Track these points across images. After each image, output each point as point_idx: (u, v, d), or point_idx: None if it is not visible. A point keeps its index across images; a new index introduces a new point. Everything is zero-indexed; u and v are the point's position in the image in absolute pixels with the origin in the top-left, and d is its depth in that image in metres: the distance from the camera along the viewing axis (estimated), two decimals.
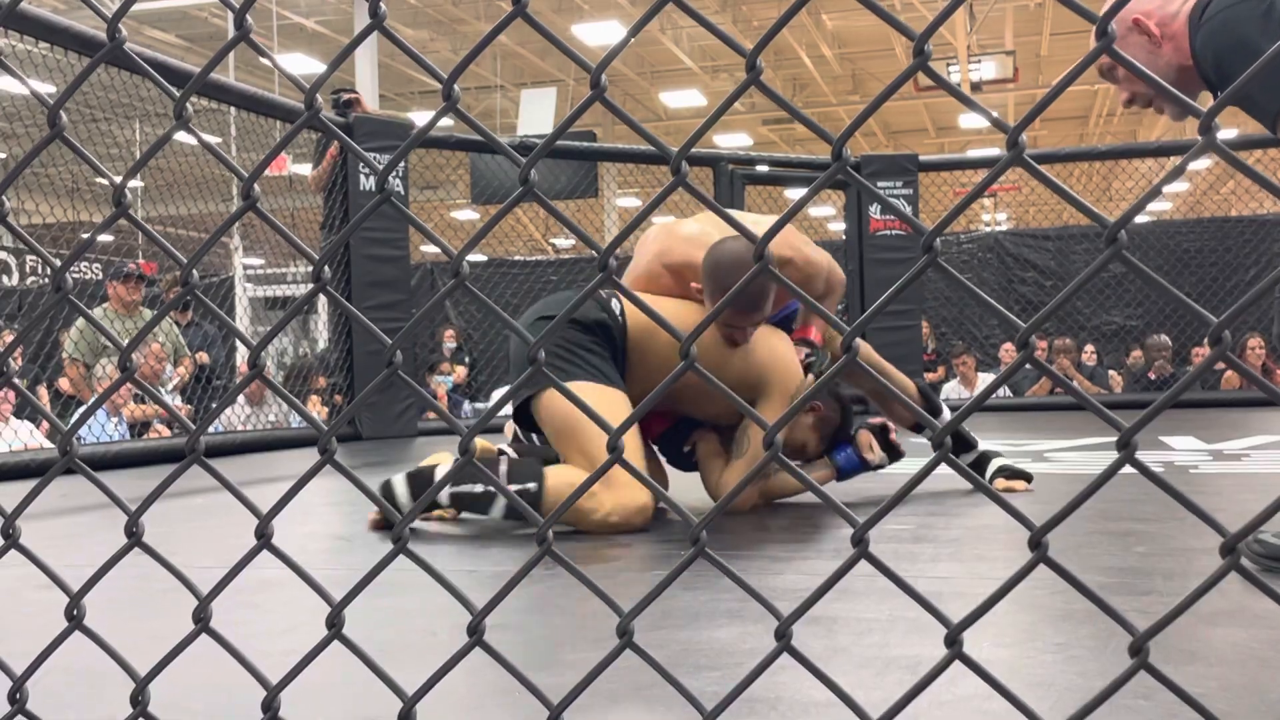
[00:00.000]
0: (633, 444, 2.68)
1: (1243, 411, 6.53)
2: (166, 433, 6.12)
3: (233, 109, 5.87)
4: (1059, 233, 9.54)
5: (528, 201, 0.78)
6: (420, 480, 2.66)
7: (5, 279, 10.69)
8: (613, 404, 2.58)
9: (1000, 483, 3.14)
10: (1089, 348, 9.10)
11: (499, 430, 5.92)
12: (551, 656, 1.51)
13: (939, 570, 2.09)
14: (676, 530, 2.59)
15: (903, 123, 21.54)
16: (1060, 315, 8.90)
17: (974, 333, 9.48)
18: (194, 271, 0.83)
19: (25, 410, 5.86)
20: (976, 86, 14.76)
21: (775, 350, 2.80)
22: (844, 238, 8.00)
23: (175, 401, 6.44)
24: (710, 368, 2.64)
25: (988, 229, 11.30)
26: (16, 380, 0.90)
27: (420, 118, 14.47)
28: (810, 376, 2.85)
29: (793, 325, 3.03)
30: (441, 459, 2.84)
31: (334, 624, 0.81)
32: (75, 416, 5.93)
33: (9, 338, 6.93)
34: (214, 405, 6.66)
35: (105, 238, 8.86)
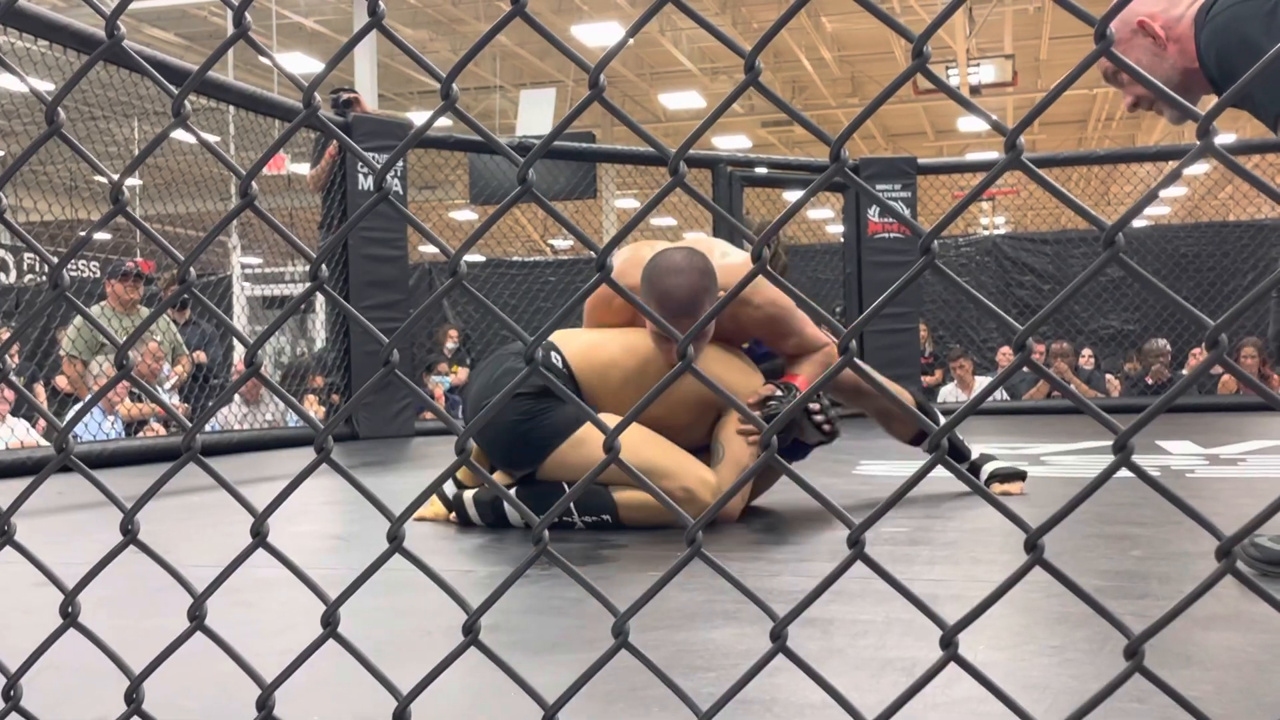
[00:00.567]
0: (679, 457, 2.69)
1: (1239, 416, 6.53)
2: (162, 431, 6.12)
3: (231, 108, 5.87)
4: (1057, 237, 9.54)
5: (526, 201, 0.78)
6: (496, 505, 2.74)
7: (3, 276, 10.69)
8: (612, 423, 2.58)
9: (996, 486, 3.14)
10: (1086, 351, 9.10)
11: None
12: (546, 656, 1.51)
13: (935, 573, 2.09)
14: (670, 533, 2.58)
15: (901, 126, 21.55)
16: (1057, 319, 8.91)
17: (971, 336, 9.49)
18: (191, 270, 0.83)
19: (22, 408, 5.86)
20: (975, 90, 14.78)
21: (726, 360, 2.79)
22: (842, 240, 8.00)
23: (173, 400, 6.43)
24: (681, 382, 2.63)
25: (986, 232, 11.31)
26: (12, 379, 0.90)
27: (419, 118, 14.47)
28: (774, 403, 2.70)
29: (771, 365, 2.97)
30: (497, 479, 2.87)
31: (329, 622, 0.81)
32: (71, 414, 5.92)
33: (4, 335, 6.92)
34: (210, 404, 6.67)
35: (102, 236, 8.86)
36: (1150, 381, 8.51)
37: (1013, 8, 15.38)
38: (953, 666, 0.71)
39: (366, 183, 6.22)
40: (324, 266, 0.81)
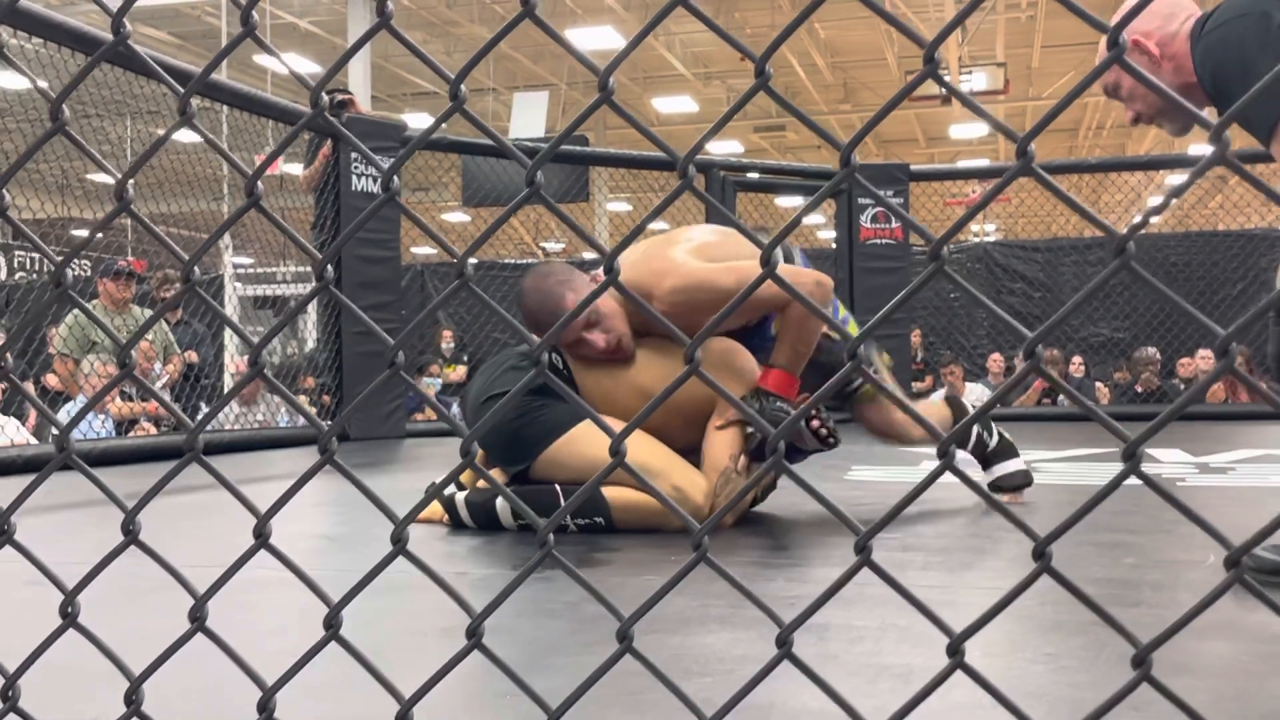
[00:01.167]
0: (670, 456, 2.67)
1: (1229, 425, 6.56)
2: (153, 430, 6.09)
3: (225, 108, 5.86)
4: (1048, 244, 9.58)
5: (533, 204, 0.78)
6: (488, 507, 2.73)
7: None
8: (613, 424, 2.57)
9: (1001, 497, 3.13)
10: (1076, 359, 9.13)
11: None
12: (544, 660, 1.51)
13: (929, 579, 2.10)
14: (664, 536, 2.58)
15: (894, 132, 21.60)
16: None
17: (962, 342, 9.51)
18: (195, 269, 0.83)
19: (11, 406, 5.83)
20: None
21: (722, 354, 2.74)
22: (834, 246, 8.02)
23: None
24: (647, 397, 2.62)
25: (977, 239, 11.35)
26: (12, 378, 0.89)
27: (413, 119, 14.46)
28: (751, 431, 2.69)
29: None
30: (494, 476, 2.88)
31: (332, 624, 0.80)
32: (69, 412, 5.90)
33: None
34: (205, 404, 6.64)
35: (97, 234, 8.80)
36: (1139, 390, 8.54)
37: (1005, 16, 15.43)
38: (946, 672, 0.71)
39: (360, 184, 6.21)
40: (330, 267, 0.81)
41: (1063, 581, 0.68)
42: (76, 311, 6.05)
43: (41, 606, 1.14)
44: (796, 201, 8.35)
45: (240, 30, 0.79)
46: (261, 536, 0.81)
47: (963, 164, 15.98)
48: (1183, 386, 8.56)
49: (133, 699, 0.87)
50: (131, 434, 6.06)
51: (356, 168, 6.18)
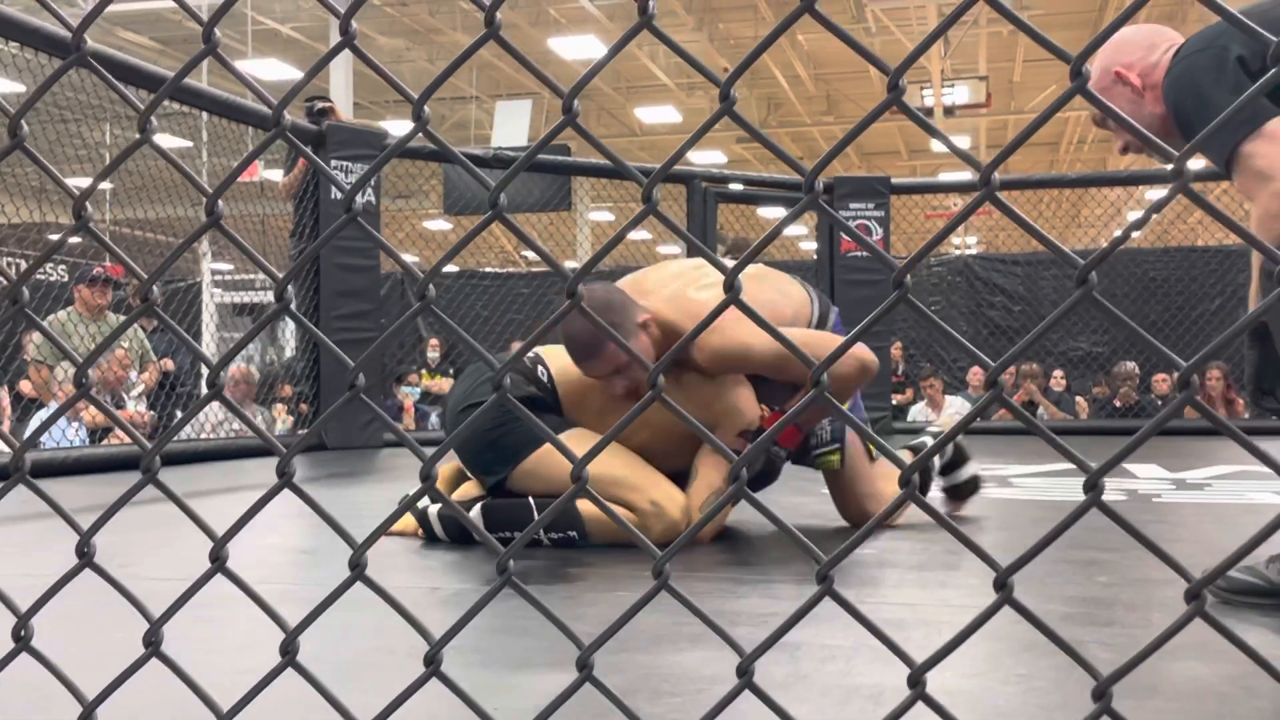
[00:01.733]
0: (648, 472, 2.67)
1: (1205, 440, 6.59)
2: (128, 439, 6.05)
3: (205, 114, 5.83)
4: (1028, 258, 9.61)
5: (497, 222, 0.77)
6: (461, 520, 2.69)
7: None
8: (588, 440, 2.57)
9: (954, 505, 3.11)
10: (1057, 373, 9.16)
11: None
12: (512, 680, 1.50)
13: (903, 596, 2.09)
14: (639, 552, 2.56)
15: (876, 145, 21.68)
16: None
17: (942, 355, 9.53)
18: (154, 288, 0.82)
19: None
20: (950, 110, 14.90)
21: (723, 388, 2.74)
22: (815, 258, 8.03)
23: (140, 408, 6.37)
24: (643, 419, 2.60)
25: (958, 252, 11.39)
26: None
27: (394, 126, 14.42)
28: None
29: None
30: (468, 489, 2.86)
31: (288, 651, 0.79)
32: (42, 419, 5.85)
33: None
34: (180, 412, 6.59)
35: (72, 239, 8.76)
36: (1118, 404, 8.58)
37: (987, 30, 15.52)
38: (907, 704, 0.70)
39: (339, 193, 6.19)
40: (290, 288, 0.80)
41: (1025, 613, 0.68)
42: (52, 317, 6.01)
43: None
44: (779, 212, 8.36)
45: (201, 49, 0.78)
46: (218, 560, 0.80)
47: (944, 177, 16.04)
48: (1160, 402, 8.60)
49: None
50: (105, 441, 6.01)
51: (336, 176, 6.15)
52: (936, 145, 20.66)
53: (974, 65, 16.39)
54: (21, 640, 0.86)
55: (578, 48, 15.25)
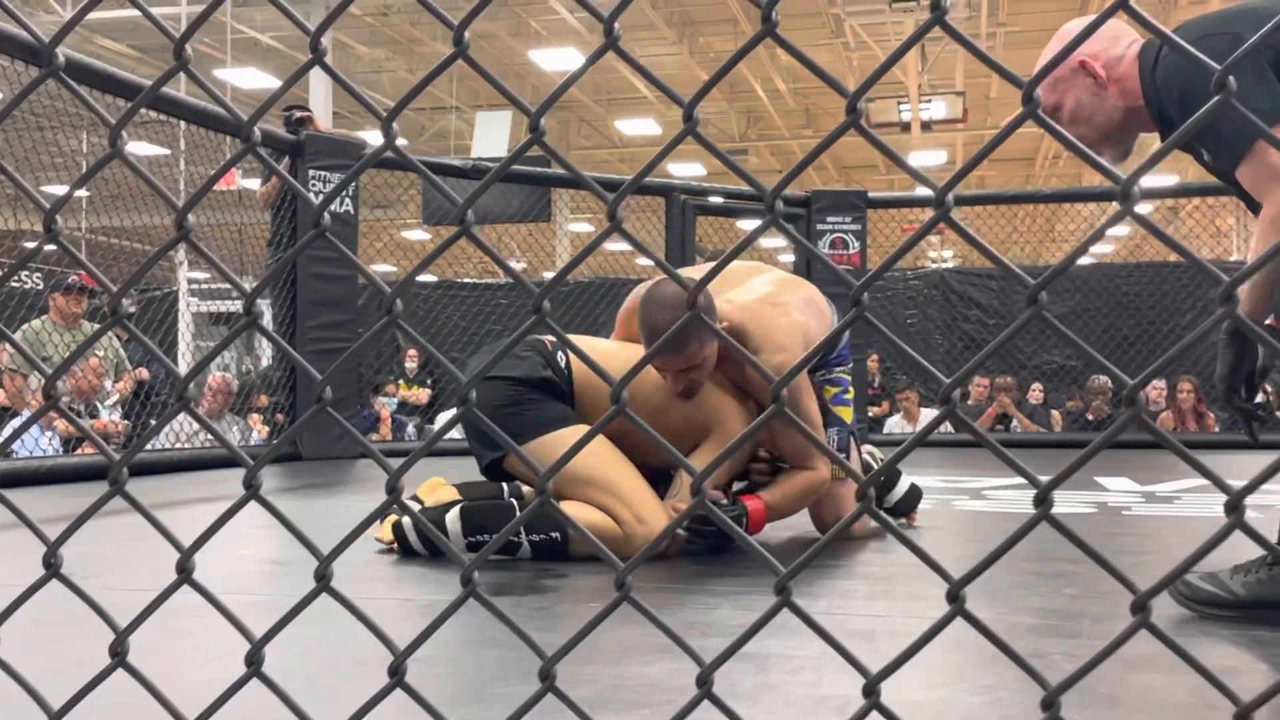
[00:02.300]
0: (637, 483, 2.67)
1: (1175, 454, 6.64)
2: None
3: (182, 122, 5.81)
4: (1003, 272, 9.67)
5: (490, 222, 0.78)
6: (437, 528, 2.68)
7: None
8: (594, 442, 2.57)
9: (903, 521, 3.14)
10: (1036, 386, 9.22)
11: (441, 455, 5.88)
12: (482, 690, 1.50)
13: (873, 608, 2.11)
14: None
15: (854, 158, 21.79)
16: (1001, 354, 9.02)
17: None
18: (124, 301, 0.83)
19: None
20: (927, 125, 14.99)
21: (725, 397, 2.75)
22: (793, 269, 8.07)
23: (114, 417, 6.33)
24: (650, 411, 2.61)
25: (934, 266, 11.45)
26: None
27: (373, 137, 14.40)
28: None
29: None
30: (445, 494, 2.86)
31: (253, 662, 0.80)
32: (14, 428, 5.81)
33: None
34: (155, 421, 6.56)
35: (47, 246, 8.69)
36: (1090, 418, 8.64)
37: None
38: (885, 704, 0.72)
39: (318, 201, 6.18)
40: (259, 302, 0.81)
41: (976, 624, 0.69)
42: (27, 326, 5.98)
43: None
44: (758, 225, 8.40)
45: (171, 65, 0.79)
46: (184, 572, 0.80)
47: (921, 192, 16.13)
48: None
49: None
50: (78, 451, 5.97)
51: (314, 185, 6.15)
52: (914, 160, 20.80)
53: (951, 81, 16.51)
54: None
55: (558, 59, 15.28)
